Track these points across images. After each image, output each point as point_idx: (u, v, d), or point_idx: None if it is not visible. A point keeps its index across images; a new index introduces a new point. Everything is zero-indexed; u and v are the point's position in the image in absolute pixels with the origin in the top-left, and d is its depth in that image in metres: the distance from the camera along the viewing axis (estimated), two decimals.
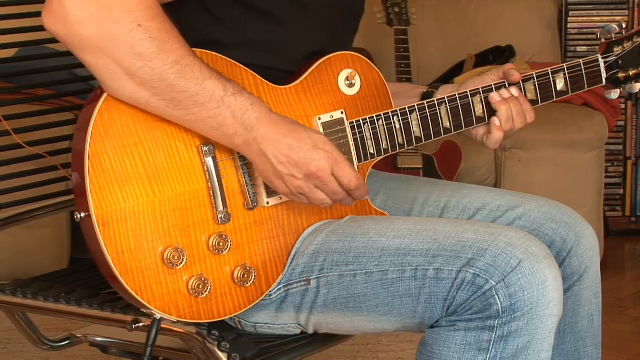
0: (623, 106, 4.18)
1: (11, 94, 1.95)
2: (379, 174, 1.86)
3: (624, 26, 1.77)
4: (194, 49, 1.45)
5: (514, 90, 1.69)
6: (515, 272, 1.40)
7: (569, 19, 4.23)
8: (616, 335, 3.07)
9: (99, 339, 1.82)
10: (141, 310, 1.47)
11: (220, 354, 1.50)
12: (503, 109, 1.66)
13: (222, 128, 1.44)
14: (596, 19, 4.22)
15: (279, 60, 1.61)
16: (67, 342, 1.87)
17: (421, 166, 3.44)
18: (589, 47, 4.23)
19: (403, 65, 3.47)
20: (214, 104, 1.42)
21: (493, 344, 1.41)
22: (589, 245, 1.66)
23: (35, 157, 1.84)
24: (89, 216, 1.40)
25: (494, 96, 1.67)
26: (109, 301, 1.60)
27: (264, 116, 1.44)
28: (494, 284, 1.40)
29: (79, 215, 1.42)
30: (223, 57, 1.53)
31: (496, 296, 1.40)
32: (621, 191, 4.25)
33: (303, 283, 1.54)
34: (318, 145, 1.46)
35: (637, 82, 1.78)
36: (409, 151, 3.45)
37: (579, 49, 4.20)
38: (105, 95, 1.43)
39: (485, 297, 1.40)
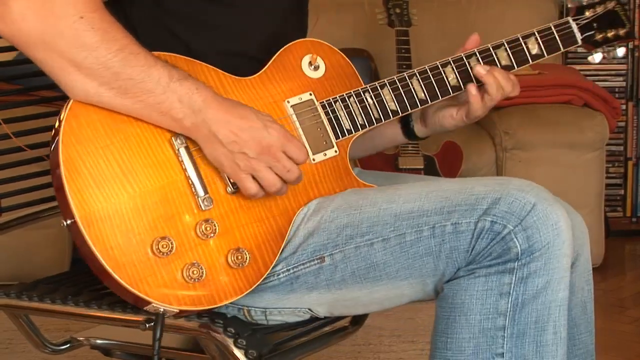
0: (624, 107, 4.19)
1: (17, 95, 1.95)
2: (369, 173, 1.87)
3: None
4: (153, 52, 1.50)
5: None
6: (531, 214, 1.45)
7: None
8: (617, 335, 3.08)
9: (99, 341, 1.83)
10: (142, 308, 1.48)
11: (237, 351, 1.51)
12: (491, 80, 1.70)
13: (169, 113, 1.48)
14: None
15: (235, 44, 1.64)
16: (69, 345, 1.87)
17: (422, 167, 3.45)
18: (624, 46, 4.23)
19: (404, 66, 3.47)
20: (160, 89, 1.47)
21: (514, 287, 1.47)
22: (577, 233, 1.66)
23: (37, 159, 1.84)
24: (74, 222, 1.43)
25: (480, 70, 1.71)
26: (119, 301, 1.59)
27: (210, 99, 1.49)
28: (512, 227, 1.45)
29: (64, 223, 1.45)
30: (182, 56, 1.57)
31: (515, 239, 1.45)
32: (622, 192, 4.25)
33: (316, 261, 1.56)
34: (267, 125, 1.50)
35: (619, 45, 1.84)
36: (410, 151, 3.46)
37: (579, 49, 4.19)
38: (70, 103, 1.48)
39: (505, 241, 1.46)
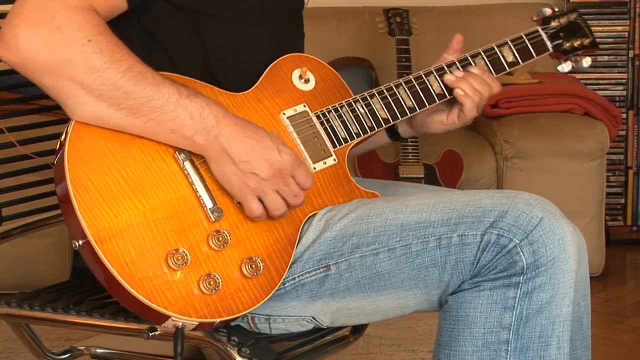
0: (624, 116, 4.18)
1: (17, 104, 1.95)
2: (365, 181, 1.87)
3: (556, 9, 1.89)
4: None
5: (473, 69, 1.76)
6: (537, 229, 1.46)
7: None
8: (617, 344, 3.08)
9: (100, 350, 1.83)
10: (161, 324, 1.48)
11: None
12: (462, 85, 1.73)
13: (181, 130, 1.48)
14: (597, 29, 4.23)
15: (230, 60, 1.65)
16: (69, 354, 1.87)
17: (422, 175, 3.45)
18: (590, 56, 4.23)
19: (405, 75, 3.44)
20: (171, 106, 1.47)
21: (518, 301, 1.47)
22: None
23: (38, 168, 1.84)
24: (87, 242, 1.43)
25: (449, 77, 1.74)
26: (122, 310, 1.59)
27: (222, 116, 1.49)
28: (518, 241, 1.46)
29: (77, 244, 1.45)
30: (178, 75, 1.57)
31: (521, 253, 1.46)
32: (622, 201, 4.25)
33: (322, 270, 1.57)
34: (279, 148, 1.51)
35: (584, 55, 1.89)
36: (411, 160, 3.46)
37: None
38: (73, 123, 1.48)
39: (510, 254, 1.46)
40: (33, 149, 1.81)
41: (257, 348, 1.52)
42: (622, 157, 4.23)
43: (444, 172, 3.52)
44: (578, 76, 4.05)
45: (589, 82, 4.14)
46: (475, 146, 3.68)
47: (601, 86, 4.19)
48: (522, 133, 3.63)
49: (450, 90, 1.75)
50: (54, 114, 1.94)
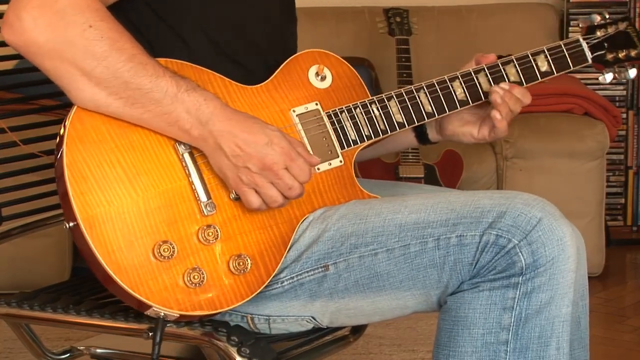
0: (624, 115, 4.18)
1: (17, 104, 1.95)
2: (365, 182, 1.87)
3: (606, 16, 1.80)
4: (159, 59, 1.51)
5: (503, 85, 1.72)
6: (536, 229, 1.46)
7: (570, 28, 4.24)
8: (617, 344, 3.08)
9: (100, 350, 1.83)
10: (143, 312, 1.48)
11: None
12: (502, 108, 1.69)
13: (177, 123, 1.49)
14: None
15: (235, 36, 1.65)
16: (69, 354, 1.87)
17: (422, 175, 3.45)
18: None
19: (404, 75, 3.48)
20: (168, 100, 1.48)
21: (517, 301, 1.47)
22: None
23: (38, 168, 1.84)
24: (77, 225, 1.44)
25: (496, 99, 1.69)
26: (121, 310, 1.60)
27: (218, 111, 1.49)
28: (517, 242, 1.46)
29: (67, 225, 1.46)
30: (189, 63, 1.58)
31: (520, 253, 1.46)
32: (622, 201, 4.25)
33: (320, 269, 1.56)
34: (273, 141, 1.50)
35: (631, 66, 1.81)
36: (411, 160, 3.46)
37: None
38: (75, 107, 1.49)
39: (509, 255, 1.46)
40: (33, 149, 1.81)
41: (256, 348, 1.52)
42: (622, 157, 4.23)
43: (444, 172, 3.52)
44: (578, 76, 4.05)
45: (589, 82, 4.13)
46: (475, 146, 3.67)
47: (601, 86, 4.18)
48: (522, 133, 3.63)
49: (474, 97, 1.72)
50: (53, 114, 1.94)
